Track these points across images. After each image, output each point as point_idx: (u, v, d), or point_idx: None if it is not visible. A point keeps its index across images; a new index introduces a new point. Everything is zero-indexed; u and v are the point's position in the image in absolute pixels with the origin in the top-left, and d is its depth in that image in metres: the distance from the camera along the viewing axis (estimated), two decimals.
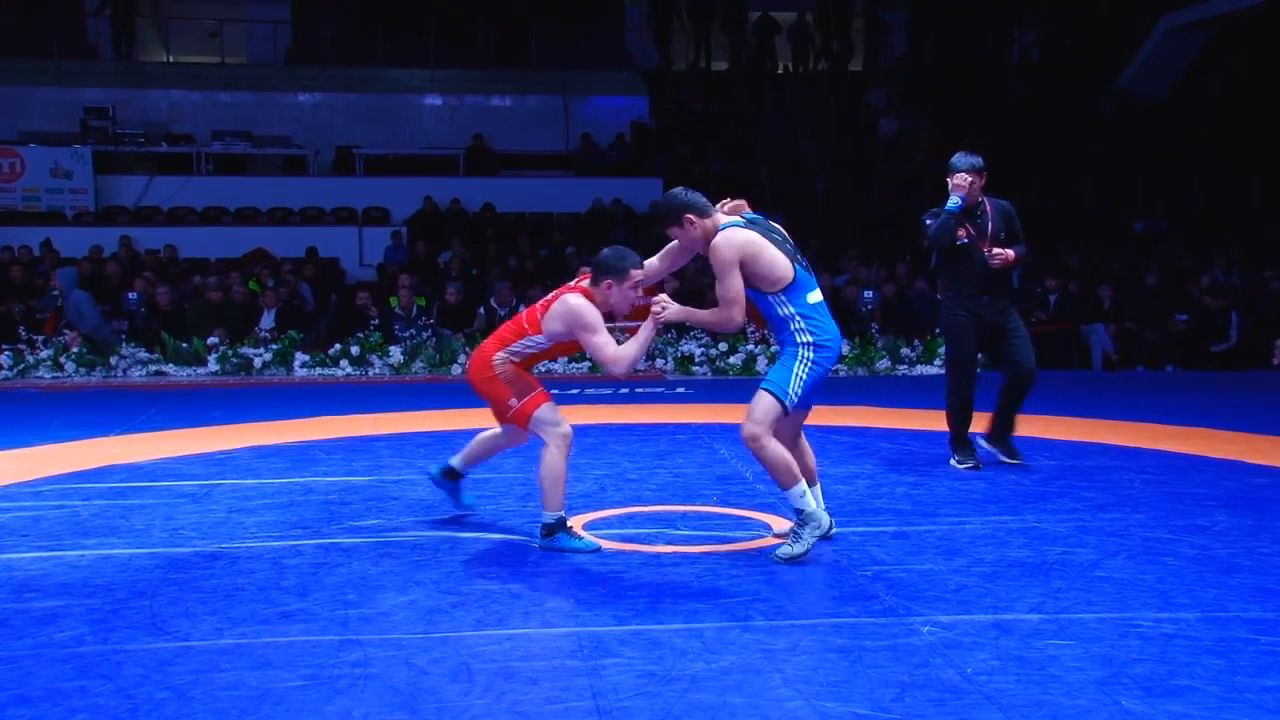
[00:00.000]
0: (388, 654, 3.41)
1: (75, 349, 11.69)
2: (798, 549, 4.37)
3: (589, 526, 5.03)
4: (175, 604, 3.91)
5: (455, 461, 5.21)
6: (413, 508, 5.42)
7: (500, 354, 4.71)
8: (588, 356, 11.94)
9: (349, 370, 11.69)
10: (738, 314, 4.31)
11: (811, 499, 4.40)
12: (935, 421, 8.16)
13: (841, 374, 11.77)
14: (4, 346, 11.75)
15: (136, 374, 11.63)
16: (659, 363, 11.70)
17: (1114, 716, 2.94)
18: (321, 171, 18.10)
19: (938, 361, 11.93)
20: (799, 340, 4.31)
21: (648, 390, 10.39)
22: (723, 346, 11.87)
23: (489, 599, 3.95)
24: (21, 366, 11.57)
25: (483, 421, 8.31)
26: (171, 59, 20.23)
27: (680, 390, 10.45)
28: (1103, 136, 17.94)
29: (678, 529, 5.01)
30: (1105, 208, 16.93)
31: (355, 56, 19.43)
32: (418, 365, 11.80)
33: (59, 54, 18.68)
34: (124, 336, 12.11)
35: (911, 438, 7.44)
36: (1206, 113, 18.12)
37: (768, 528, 4.96)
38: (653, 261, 4.70)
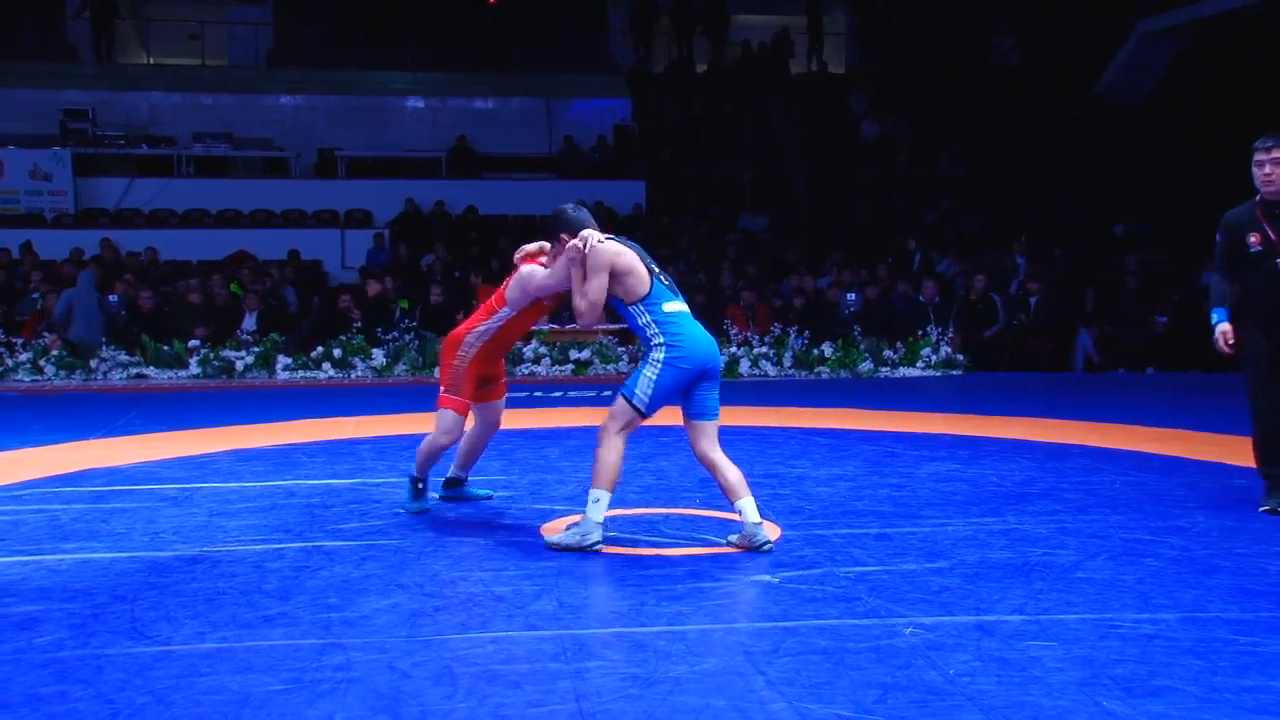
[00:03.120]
0: (370, 658, 3.39)
1: (55, 352, 11.62)
2: (560, 540, 4.58)
3: (573, 528, 5.01)
4: (156, 608, 3.89)
5: (452, 470, 5.51)
6: (395, 510, 5.40)
7: (470, 336, 5.02)
8: (569, 359, 11.95)
9: (331, 373, 11.65)
10: (592, 314, 4.55)
11: (600, 512, 4.54)
12: (917, 423, 8.21)
13: (824, 376, 11.79)
14: None
15: (117, 377, 11.56)
16: None
17: (1095, 717, 2.95)
18: (303, 174, 18.04)
19: (920, 364, 11.98)
20: (653, 343, 4.56)
21: None
22: None
23: (472, 602, 3.95)
24: (0, 370, 11.48)
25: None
26: (152, 61, 20.14)
27: None
28: (1079, 142, 18.04)
29: (661, 531, 5.02)
30: (1081, 213, 17.05)
31: (337, 58, 19.38)
32: (400, 368, 11.77)
33: (38, 55, 18.57)
34: (104, 339, 12.04)
35: (894, 439, 7.46)
36: (1181, 119, 18.24)
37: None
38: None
